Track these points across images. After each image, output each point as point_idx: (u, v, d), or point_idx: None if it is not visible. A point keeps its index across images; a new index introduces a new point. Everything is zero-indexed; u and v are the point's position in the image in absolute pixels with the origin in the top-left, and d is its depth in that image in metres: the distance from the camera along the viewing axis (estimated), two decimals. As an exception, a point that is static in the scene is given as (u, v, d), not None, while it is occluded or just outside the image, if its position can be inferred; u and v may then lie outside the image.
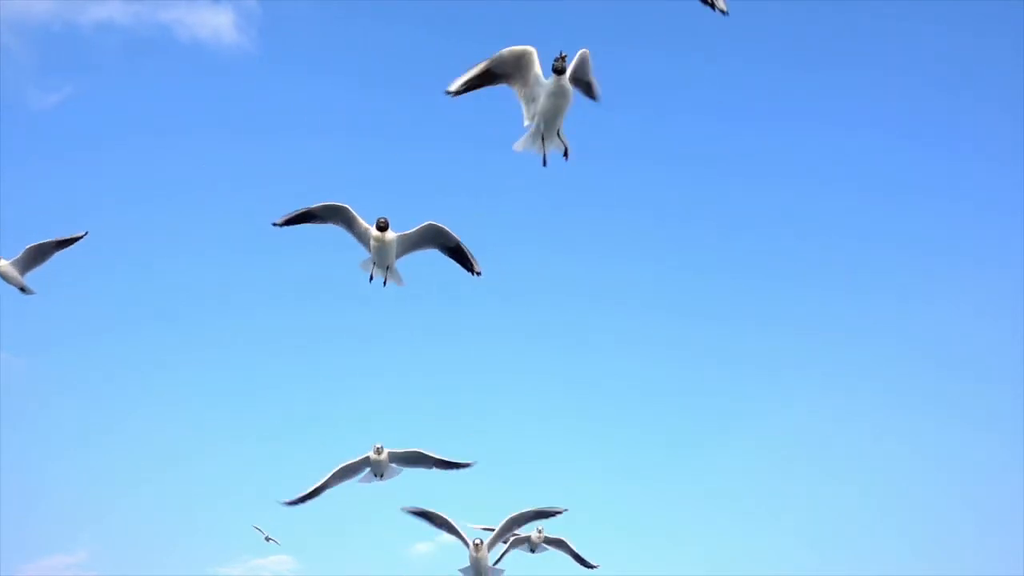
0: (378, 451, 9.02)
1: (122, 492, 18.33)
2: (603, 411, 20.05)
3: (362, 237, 7.94)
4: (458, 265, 8.09)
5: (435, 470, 9.34)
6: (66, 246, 9.37)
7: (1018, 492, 15.98)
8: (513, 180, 21.13)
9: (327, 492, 9.35)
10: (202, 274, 21.10)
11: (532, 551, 10.81)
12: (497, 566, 9.95)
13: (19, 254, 9.29)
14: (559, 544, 10.86)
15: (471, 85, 6.41)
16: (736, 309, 21.52)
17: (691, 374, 20.80)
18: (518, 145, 6.83)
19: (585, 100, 6.37)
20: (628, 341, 20.93)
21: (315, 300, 20.71)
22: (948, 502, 17.83)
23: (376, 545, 17.96)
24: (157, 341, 19.74)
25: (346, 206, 7.82)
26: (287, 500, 9.37)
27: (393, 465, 9.19)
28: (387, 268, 8.12)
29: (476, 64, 6.36)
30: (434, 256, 8.16)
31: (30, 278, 9.45)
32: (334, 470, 9.17)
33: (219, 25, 21.86)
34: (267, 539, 16.27)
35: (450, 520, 9.46)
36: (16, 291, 9.51)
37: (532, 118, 6.53)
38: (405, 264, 8.18)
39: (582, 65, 6.14)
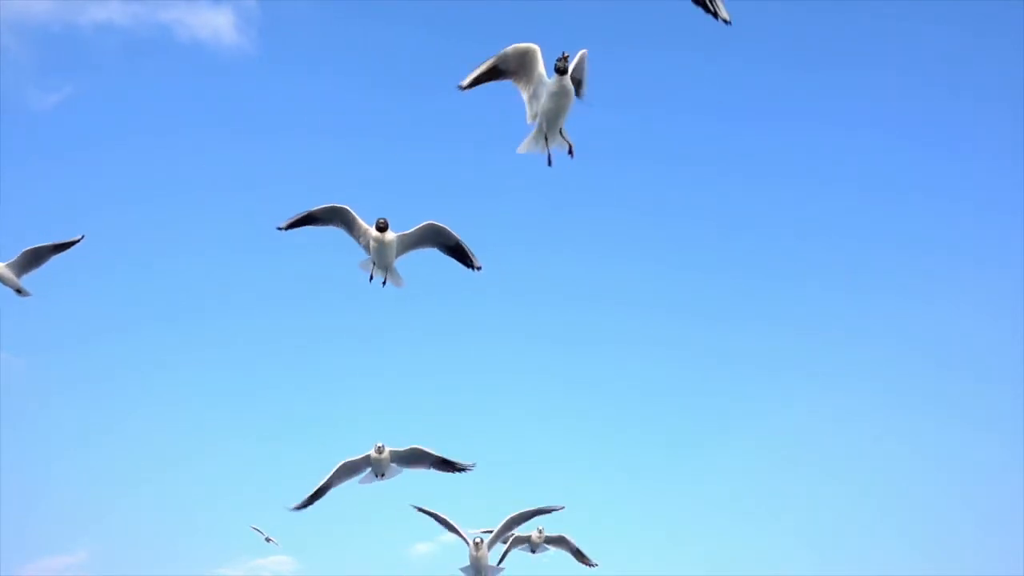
0: (379, 450, 9.02)
1: (122, 492, 18.32)
2: (603, 411, 20.06)
3: (362, 238, 7.96)
4: (458, 264, 8.11)
5: (435, 471, 9.36)
6: (62, 250, 9.41)
7: (1018, 492, 15.99)
8: (513, 180, 21.15)
9: (329, 493, 9.36)
10: (202, 274, 21.08)
11: (533, 551, 10.83)
12: (497, 565, 9.97)
13: (15, 257, 9.33)
14: (560, 542, 10.88)
15: (480, 80, 6.52)
16: (736, 309, 21.51)
17: (691, 374, 20.79)
18: (522, 148, 6.91)
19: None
20: (628, 341, 20.93)
21: (315, 300, 20.71)
22: (948, 502, 17.83)
23: (376, 545, 17.97)
24: (157, 341, 19.72)
25: (346, 207, 7.86)
26: (294, 506, 9.40)
27: (394, 465, 9.19)
28: (387, 269, 8.14)
29: (486, 60, 6.49)
30: (434, 256, 8.19)
31: (27, 279, 9.48)
32: (336, 468, 9.16)
33: (219, 25, 21.84)
34: (267, 540, 16.27)
35: (450, 520, 9.49)
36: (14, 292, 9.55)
37: (534, 116, 6.60)
38: (405, 264, 8.21)
39: (579, 64, 6.29)
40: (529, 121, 6.67)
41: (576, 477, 18.07)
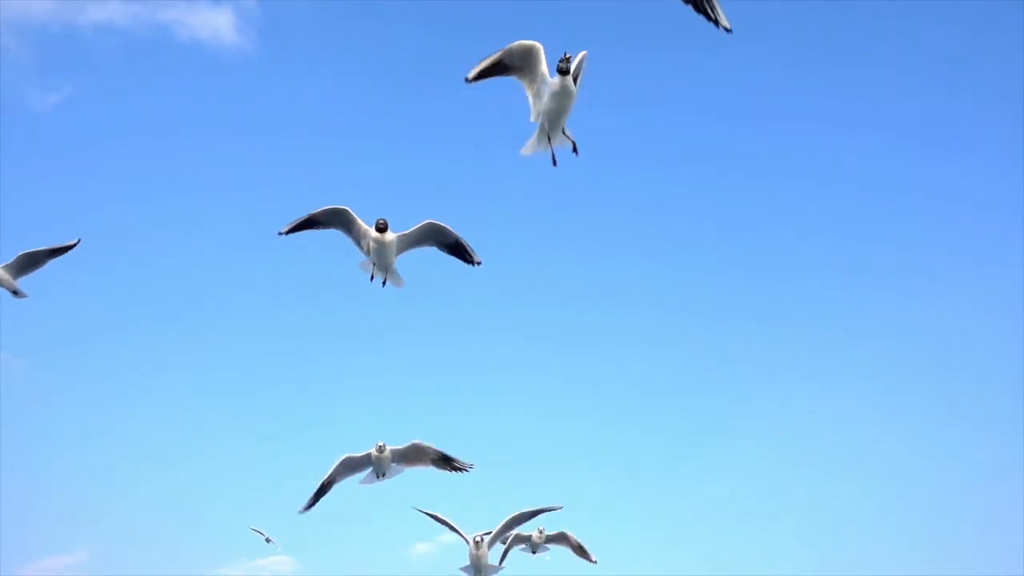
0: (380, 449, 9.01)
1: (122, 492, 18.34)
2: (603, 411, 20.07)
3: (362, 240, 7.97)
4: (457, 264, 8.12)
5: (434, 469, 9.36)
6: (58, 255, 9.41)
7: (1018, 492, 15.99)
8: (513, 180, 21.17)
9: (331, 492, 9.36)
10: (202, 274, 21.09)
11: (534, 552, 10.84)
12: (498, 565, 9.98)
13: (11, 259, 9.34)
14: (560, 539, 10.88)
15: (486, 73, 6.52)
16: (736, 309, 21.52)
17: (691, 374, 20.79)
18: (525, 149, 6.93)
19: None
20: (628, 341, 20.93)
21: (315, 300, 20.71)
22: (948, 502, 17.84)
23: (376, 545, 17.97)
24: (157, 341, 19.73)
25: (346, 208, 7.87)
26: (301, 508, 9.40)
27: (395, 465, 9.18)
28: (387, 269, 8.15)
29: (492, 53, 6.48)
30: (434, 256, 8.20)
31: (25, 280, 9.49)
32: (338, 462, 9.14)
33: (219, 26, 21.85)
34: (267, 540, 16.29)
35: (449, 520, 9.50)
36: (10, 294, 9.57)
37: (538, 116, 6.62)
38: (404, 264, 8.21)
39: (577, 65, 6.32)
40: (533, 119, 6.69)
41: (576, 477, 18.12)
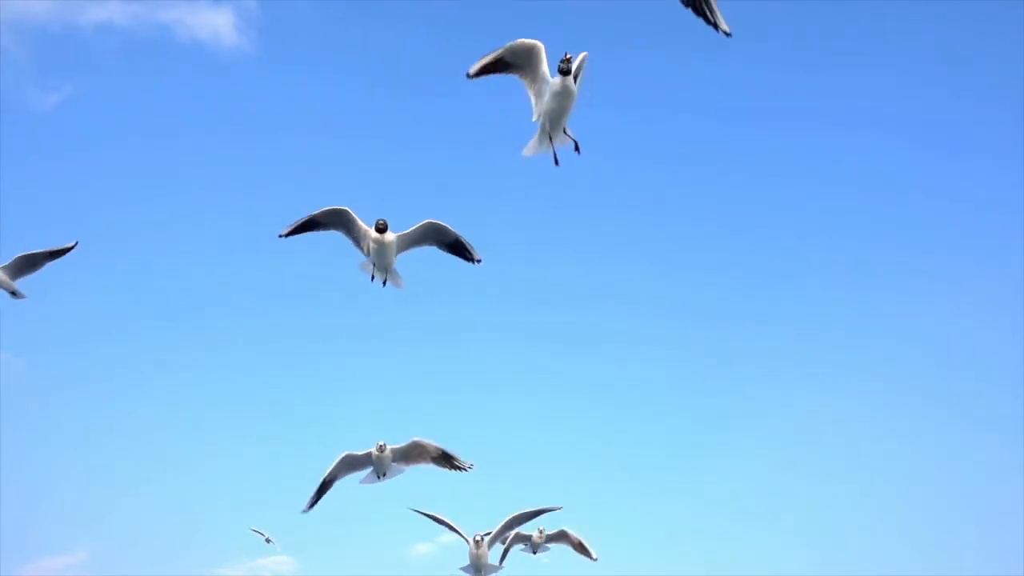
0: (381, 449, 9.00)
1: (122, 492, 18.32)
2: (603, 411, 20.06)
3: (362, 240, 7.97)
4: (458, 264, 8.13)
5: (434, 467, 9.35)
6: (56, 257, 9.41)
7: (1018, 492, 15.98)
8: (513, 180, 21.16)
9: (331, 492, 9.36)
10: (202, 274, 21.06)
11: (534, 552, 10.84)
12: (498, 564, 9.98)
13: (9, 261, 9.34)
14: (561, 537, 10.88)
15: (487, 70, 6.50)
16: (736, 309, 21.51)
17: (691, 374, 20.79)
18: (527, 151, 6.92)
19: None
20: (628, 341, 20.92)
21: (315, 300, 20.70)
22: (948, 502, 17.83)
23: (376, 545, 17.96)
24: (157, 341, 19.70)
25: (346, 209, 7.87)
26: (304, 508, 9.39)
27: (395, 464, 9.18)
28: (387, 270, 8.16)
29: (494, 50, 6.46)
30: (434, 256, 8.19)
31: (24, 281, 9.50)
32: (339, 459, 9.13)
33: (219, 26, 21.82)
34: (267, 540, 16.29)
35: (448, 520, 9.50)
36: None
37: (539, 116, 6.62)
38: (404, 264, 8.21)
39: (578, 66, 6.31)
40: (535, 120, 6.69)
41: (576, 477, 18.11)
